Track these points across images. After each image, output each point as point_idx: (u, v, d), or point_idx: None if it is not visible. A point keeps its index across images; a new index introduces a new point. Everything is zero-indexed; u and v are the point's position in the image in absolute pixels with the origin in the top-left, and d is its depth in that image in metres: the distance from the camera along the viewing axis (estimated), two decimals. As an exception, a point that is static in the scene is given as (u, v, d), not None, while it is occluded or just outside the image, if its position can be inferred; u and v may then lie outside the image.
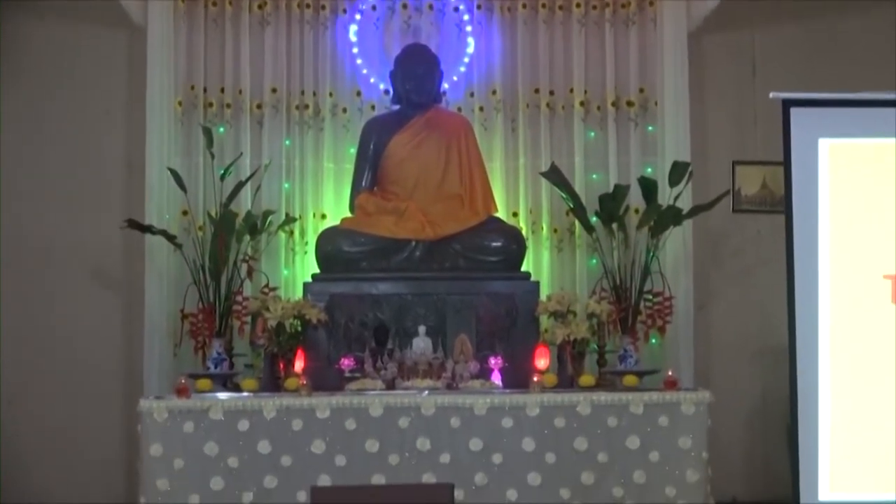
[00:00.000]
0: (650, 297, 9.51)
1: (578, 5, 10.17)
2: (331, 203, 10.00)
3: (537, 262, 9.90)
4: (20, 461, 9.67)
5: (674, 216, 9.33)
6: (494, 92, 10.14)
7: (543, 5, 10.17)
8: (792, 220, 5.37)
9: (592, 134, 10.14)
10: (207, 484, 8.08)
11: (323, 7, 10.17)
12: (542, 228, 10.00)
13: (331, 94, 10.10)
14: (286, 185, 9.94)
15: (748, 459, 9.97)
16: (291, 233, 9.87)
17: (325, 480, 7.98)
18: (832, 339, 5.34)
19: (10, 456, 9.66)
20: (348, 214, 9.73)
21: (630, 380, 8.71)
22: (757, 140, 10.12)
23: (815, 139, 5.41)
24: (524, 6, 10.19)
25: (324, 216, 9.97)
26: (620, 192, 9.62)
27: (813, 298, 5.39)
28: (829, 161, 5.39)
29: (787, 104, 5.44)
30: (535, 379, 8.43)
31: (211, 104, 9.96)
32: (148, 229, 9.33)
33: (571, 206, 9.62)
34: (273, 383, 8.75)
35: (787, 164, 5.42)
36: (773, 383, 9.79)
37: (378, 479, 8.03)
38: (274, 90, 10.00)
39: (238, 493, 8.09)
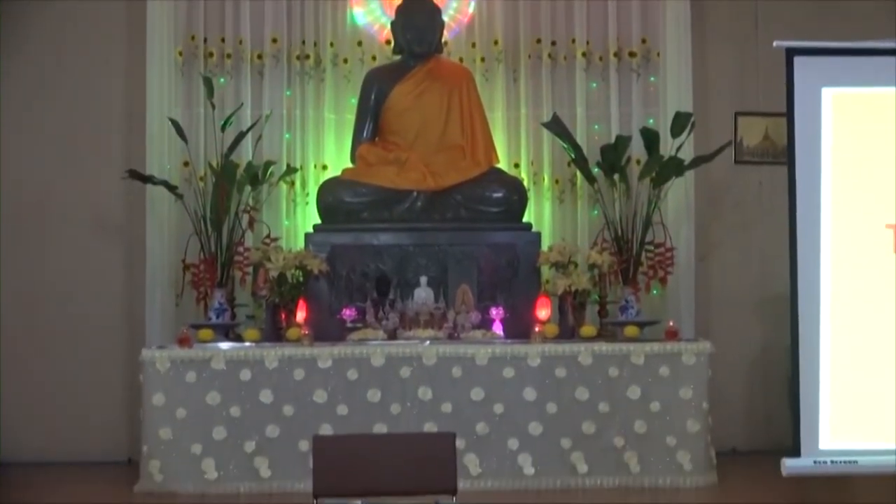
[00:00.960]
0: (651, 248, 9.52)
1: (580, -45, 10.10)
2: (332, 154, 9.98)
3: (539, 213, 9.89)
4: (21, 414, 9.70)
5: (675, 167, 9.32)
6: (496, 42, 10.08)
7: (545, -45, 10.10)
8: (794, 169, 5.34)
9: (594, 84, 10.09)
10: (210, 433, 8.13)
11: (324, -44, 10.10)
12: (544, 179, 9.99)
13: (332, 45, 10.04)
14: (287, 136, 9.91)
15: (748, 410, 10.01)
16: (292, 183, 9.86)
17: (326, 430, 8.03)
18: (834, 289, 5.33)
19: (12, 409, 9.70)
20: (349, 165, 9.71)
21: (631, 330, 8.74)
22: (759, 91, 10.07)
23: (818, 88, 5.38)
24: (526, -44, 10.12)
25: (325, 167, 9.95)
26: (622, 143, 9.60)
27: (815, 248, 5.38)
28: (832, 110, 5.36)
29: (791, 53, 5.41)
30: (537, 329, 8.46)
31: (211, 54, 9.91)
32: (149, 179, 9.32)
33: (573, 156, 9.61)
34: (275, 334, 8.78)
35: (790, 113, 5.38)
36: (774, 334, 9.82)
37: (380, 429, 8.08)
38: (274, 40, 9.94)
39: (240, 442, 8.14)
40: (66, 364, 9.77)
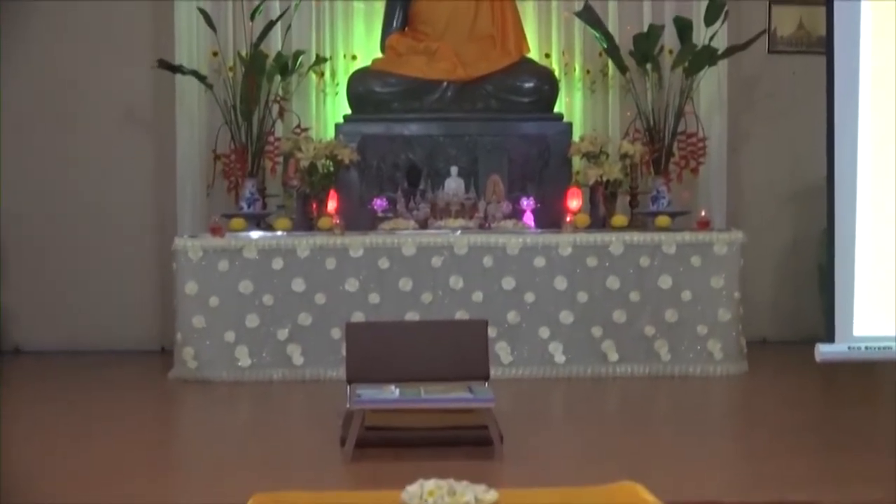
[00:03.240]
0: (683, 138, 9.46)
1: None
2: (361, 44, 9.89)
3: (570, 104, 9.81)
4: (56, 304, 9.81)
5: (708, 57, 9.21)
6: (527, -70, 9.93)
7: None
8: (833, 55, 5.26)
9: (627, -28, 9.94)
10: (243, 321, 8.20)
11: None
12: (575, 69, 9.89)
13: (362, -69, 9.91)
14: (316, 26, 9.81)
15: (778, 300, 10.03)
16: (322, 74, 9.78)
17: (358, 318, 8.07)
18: (871, 176, 5.28)
19: (47, 299, 9.80)
20: (379, 55, 9.64)
21: (662, 221, 8.73)
22: (794, -20, 9.93)
23: (858, -28, 5.28)
24: None
25: (354, 57, 9.86)
26: (655, 32, 9.48)
27: (852, 137, 5.30)
28: (872, -5, 5.27)
29: (831, -65, 5.29)
30: (568, 220, 8.45)
31: (240, -57, 9.78)
32: (178, 69, 9.27)
33: (605, 46, 9.50)
34: (306, 223, 8.80)
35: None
36: (805, 225, 9.81)
37: (412, 318, 8.12)
38: (303, -73, 9.79)
39: (273, 330, 8.21)
40: (98, 254, 9.83)
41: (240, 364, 8.18)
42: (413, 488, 4.01)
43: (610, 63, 9.65)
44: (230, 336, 8.18)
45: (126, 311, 9.82)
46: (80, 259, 9.85)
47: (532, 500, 4.03)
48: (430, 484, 4.00)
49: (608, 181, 8.89)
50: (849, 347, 5.01)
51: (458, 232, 8.37)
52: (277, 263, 8.21)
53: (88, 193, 9.86)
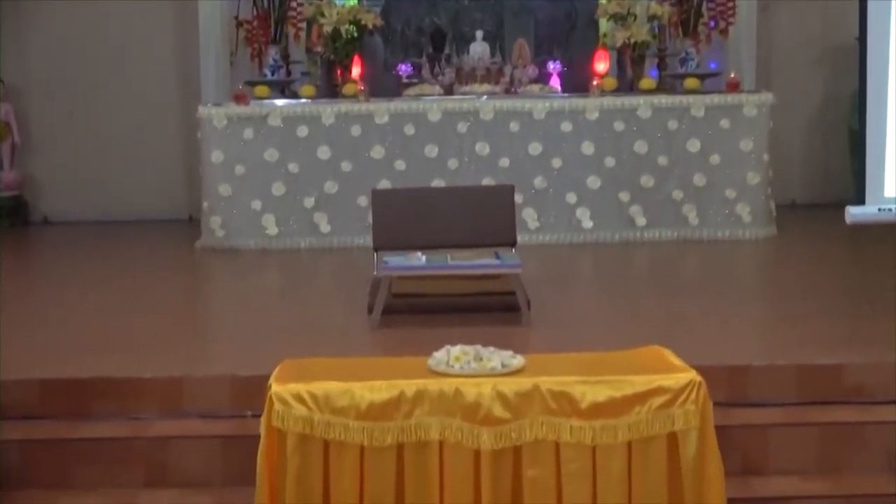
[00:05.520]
0: (712, -2, 9.29)
1: None
2: None
3: (597, -36, 9.62)
4: (82, 174, 9.81)
5: (739, -87, 9.00)
6: None
7: None
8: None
9: None
10: (269, 189, 8.18)
11: None
12: (602, -72, 9.68)
13: None
14: None
15: (808, 163, 9.92)
16: (342, -64, 9.61)
17: (385, 185, 8.04)
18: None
19: (73, 168, 9.80)
20: (400, -86, 9.47)
21: (691, 83, 8.60)
22: None
23: None
24: None
25: (374, -85, 9.67)
26: None
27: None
28: None
29: None
30: (595, 83, 8.34)
31: None
32: (199, -66, 9.12)
33: None
34: (330, 90, 8.72)
35: None
36: (835, 85, 9.67)
37: (438, 184, 8.08)
38: None
39: (299, 197, 8.19)
40: (122, 124, 9.80)
41: (267, 232, 8.18)
42: (439, 354, 4.03)
43: (637, -80, 9.42)
44: (257, 204, 8.17)
45: (153, 180, 9.82)
46: (107, 129, 9.82)
47: (558, 364, 4.05)
48: (457, 350, 4.01)
49: (636, 43, 8.74)
50: (879, 209, 4.97)
51: (484, 97, 8.29)
52: (302, 131, 8.16)
53: (113, 64, 9.79)
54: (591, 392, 3.82)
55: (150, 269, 7.78)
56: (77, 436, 4.54)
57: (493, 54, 8.71)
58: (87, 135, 9.82)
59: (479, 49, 8.71)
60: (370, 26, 8.77)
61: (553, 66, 8.65)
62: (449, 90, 8.49)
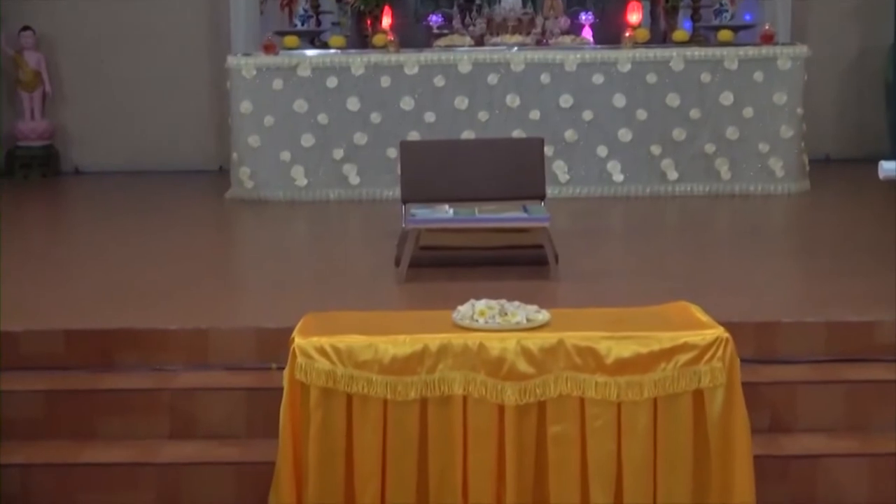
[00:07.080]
0: (748, -52, 9.17)
1: None
2: None
3: (630, -86, 9.49)
4: (113, 125, 9.80)
5: None
6: None
7: None
8: None
9: None
10: (298, 140, 8.15)
11: None
12: None
13: None
14: None
15: (842, 116, 9.78)
16: None
17: (414, 137, 7.99)
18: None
19: (104, 119, 9.80)
20: None
21: (725, 35, 8.49)
22: None
23: None
24: None
25: None
26: None
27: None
28: None
29: None
30: (627, 34, 8.24)
31: None
32: None
33: None
34: (360, 40, 8.68)
35: None
36: (871, 38, 9.54)
37: (468, 136, 8.03)
38: None
39: (329, 149, 8.16)
40: (154, 75, 9.77)
41: (296, 183, 8.15)
42: (464, 308, 3.99)
43: None
44: (286, 155, 8.14)
45: (184, 131, 9.81)
46: (137, 80, 9.79)
47: (585, 319, 4.01)
48: (482, 304, 3.98)
49: (669, -6, 8.65)
50: (913, 165, 4.90)
51: (515, 48, 8.21)
52: (332, 82, 8.11)
53: (143, 14, 9.75)
54: (617, 348, 3.79)
55: (178, 220, 7.78)
56: (102, 387, 4.54)
57: (524, 5, 8.64)
58: (117, 85, 9.81)
59: (510, 0, 8.63)
60: (401, -24, 8.71)
61: (585, 17, 8.57)
62: (479, 41, 8.42)
